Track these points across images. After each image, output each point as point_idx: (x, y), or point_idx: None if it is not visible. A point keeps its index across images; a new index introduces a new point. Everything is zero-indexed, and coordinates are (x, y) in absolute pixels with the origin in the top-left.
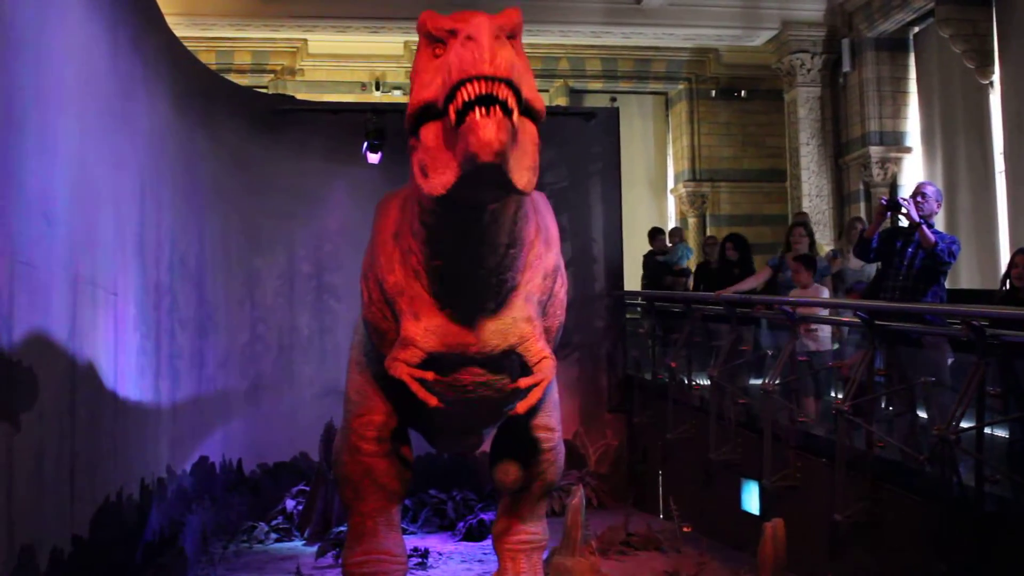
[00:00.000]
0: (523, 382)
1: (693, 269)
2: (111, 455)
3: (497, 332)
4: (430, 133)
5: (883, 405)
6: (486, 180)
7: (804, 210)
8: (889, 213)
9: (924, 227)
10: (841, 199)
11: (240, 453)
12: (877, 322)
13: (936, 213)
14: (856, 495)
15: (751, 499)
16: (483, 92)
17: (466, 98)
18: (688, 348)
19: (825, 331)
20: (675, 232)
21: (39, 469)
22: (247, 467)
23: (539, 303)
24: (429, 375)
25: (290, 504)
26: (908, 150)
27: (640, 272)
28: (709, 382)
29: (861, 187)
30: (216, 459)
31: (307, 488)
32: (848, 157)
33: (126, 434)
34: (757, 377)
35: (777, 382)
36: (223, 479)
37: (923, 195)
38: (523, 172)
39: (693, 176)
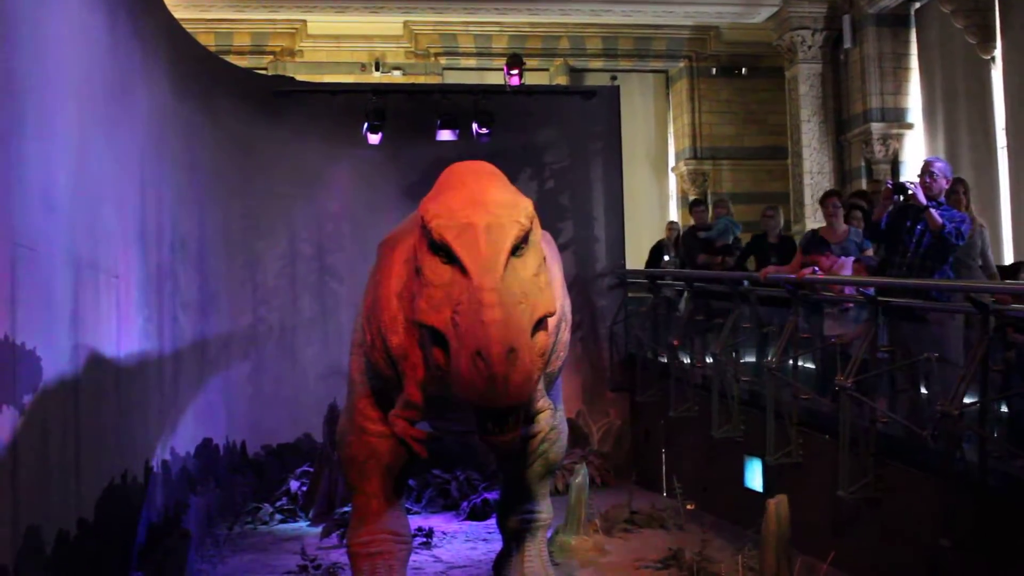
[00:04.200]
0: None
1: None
2: (115, 437)
3: None
4: (439, 354)
5: (887, 381)
6: None
7: (806, 186)
8: (896, 196)
9: (932, 210)
10: (843, 176)
11: (244, 435)
12: (880, 298)
13: (945, 190)
14: (859, 471)
15: (754, 476)
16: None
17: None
18: (691, 326)
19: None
20: (720, 203)
21: (44, 451)
22: (251, 448)
23: (543, 355)
24: (421, 434)
25: (294, 485)
26: (910, 126)
27: (646, 253)
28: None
29: (863, 163)
30: (220, 441)
31: (311, 469)
32: (849, 134)
33: (130, 416)
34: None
35: (789, 361)
36: (227, 461)
37: (931, 174)
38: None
39: (694, 154)
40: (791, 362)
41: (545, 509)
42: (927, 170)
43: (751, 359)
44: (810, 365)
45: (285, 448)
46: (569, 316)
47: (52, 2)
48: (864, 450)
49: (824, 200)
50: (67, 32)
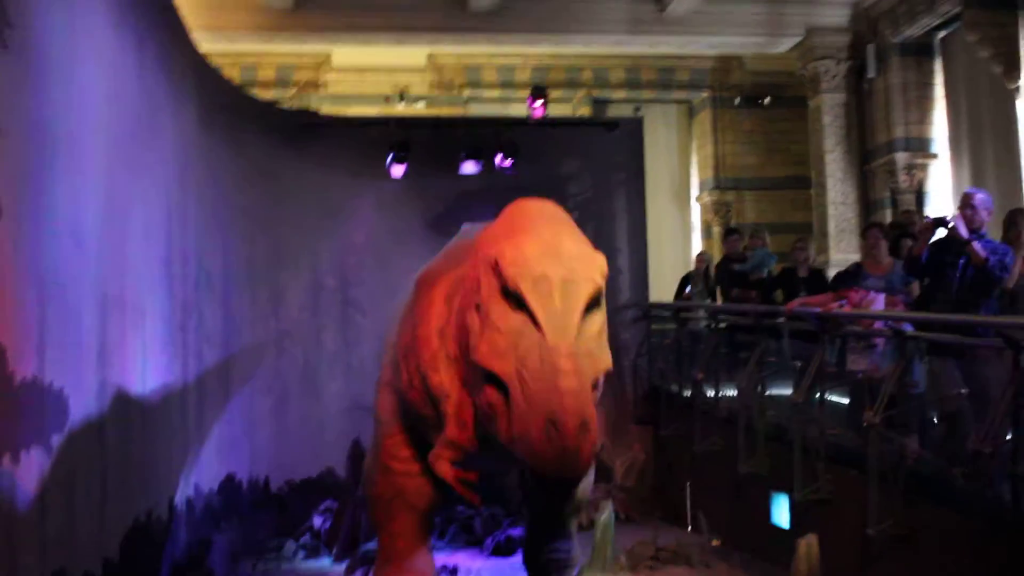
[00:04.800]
0: None
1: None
2: (140, 476)
3: None
4: (498, 398)
5: (918, 418)
6: None
7: (830, 216)
8: (936, 229)
9: (974, 244)
10: (867, 206)
11: (267, 470)
12: (910, 333)
13: (987, 222)
14: (889, 509)
15: (781, 512)
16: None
17: None
18: (716, 360)
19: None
20: (756, 233)
21: (71, 493)
22: (274, 484)
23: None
24: (472, 476)
25: (318, 521)
26: (934, 156)
27: (669, 284)
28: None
29: (888, 194)
30: (243, 476)
31: (334, 504)
32: (874, 163)
33: (154, 454)
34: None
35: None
36: (250, 496)
37: (972, 207)
38: None
39: (717, 184)
40: (818, 397)
41: (571, 547)
42: (967, 203)
43: (778, 391)
44: (838, 399)
45: (308, 483)
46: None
47: (82, 39)
48: (894, 487)
49: (866, 232)
50: (97, 69)
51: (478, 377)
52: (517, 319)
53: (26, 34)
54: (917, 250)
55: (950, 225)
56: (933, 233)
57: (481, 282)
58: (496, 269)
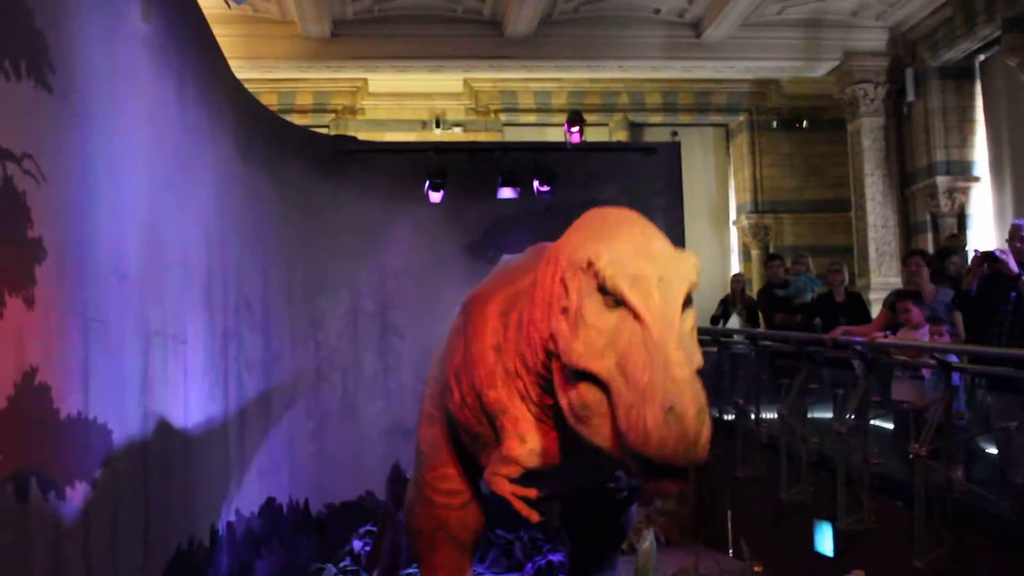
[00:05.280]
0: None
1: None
2: (182, 504)
3: (601, 452)
4: (593, 396)
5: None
6: None
7: (870, 240)
8: (986, 264)
9: None
10: (907, 229)
11: (306, 493)
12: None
13: None
14: (935, 541)
15: (824, 541)
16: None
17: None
18: (757, 385)
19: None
20: (800, 259)
21: (114, 526)
22: (313, 507)
23: None
24: (532, 493)
25: (357, 545)
26: (976, 179)
27: (707, 307)
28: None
29: (928, 217)
30: (283, 500)
31: (374, 528)
32: (914, 187)
33: (196, 481)
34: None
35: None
36: (290, 520)
37: (1021, 239)
38: None
39: (755, 208)
40: (862, 425)
41: None
42: (1017, 234)
43: (820, 416)
44: (883, 424)
45: (348, 506)
46: None
47: (124, 79)
48: (940, 519)
49: (907, 259)
50: (138, 107)
51: (568, 381)
52: (614, 318)
53: (69, 78)
54: (967, 284)
55: (1001, 260)
56: (982, 267)
57: (569, 286)
58: (590, 269)
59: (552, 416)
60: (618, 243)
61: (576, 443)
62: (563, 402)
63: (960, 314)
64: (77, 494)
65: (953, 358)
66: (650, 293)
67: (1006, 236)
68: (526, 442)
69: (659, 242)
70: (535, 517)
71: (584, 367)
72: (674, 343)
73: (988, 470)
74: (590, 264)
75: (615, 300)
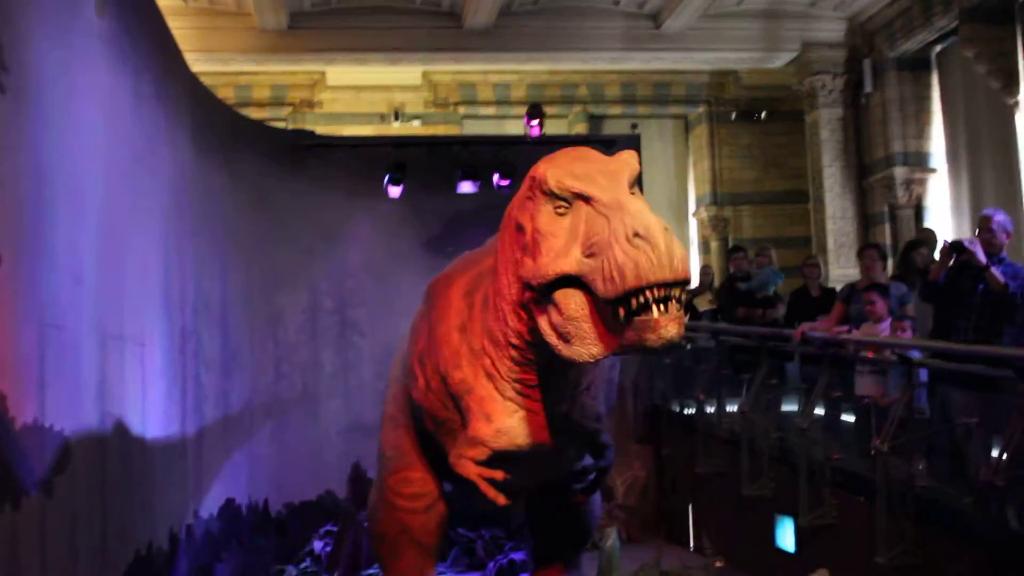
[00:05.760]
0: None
1: (785, 296)
2: (140, 509)
3: (568, 432)
4: (572, 302)
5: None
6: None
7: (828, 232)
8: (954, 255)
9: (993, 270)
10: (866, 220)
11: (266, 493)
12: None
13: (1006, 244)
14: (897, 536)
15: (786, 536)
16: (662, 296)
17: (643, 301)
18: (718, 380)
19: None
20: (763, 252)
21: (72, 534)
22: (273, 507)
23: (603, 393)
24: (499, 475)
25: (318, 545)
26: (933, 171)
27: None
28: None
29: (886, 208)
30: (242, 500)
31: (335, 528)
32: (872, 178)
33: (154, 484)
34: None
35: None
36: (250, 521)
37: (990, 230)
38: None
39: (714, 200)
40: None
41: None
42: (986, 225)
43: (782, 411)
44: (845, 418)
45: (308, 506)
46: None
47: (79, 76)
48: (902, 514)
49: (861, 252)
50: (94, 104)
51: (546, 303)
52: (568, 216)
53: (23, 77)
54: (933, 275)
55: (968, 250)
56: (950, 258)
57: (523, 220)
58: (536, 183)
59: (521, 392)
60: (556, 158)
61: (544, 426)
62: (547, 331)
63: (911, 305)
64: (34, 504)
65: (915, 353)
66: (595, 180)
67: (962, 228)
68: (492, 421)
69: (594, 152)
70: (502, 500)
71: (554, 272)
72: (627, 200)
73: (949, 466)
74: (534, 179)
75: (566, 203)
